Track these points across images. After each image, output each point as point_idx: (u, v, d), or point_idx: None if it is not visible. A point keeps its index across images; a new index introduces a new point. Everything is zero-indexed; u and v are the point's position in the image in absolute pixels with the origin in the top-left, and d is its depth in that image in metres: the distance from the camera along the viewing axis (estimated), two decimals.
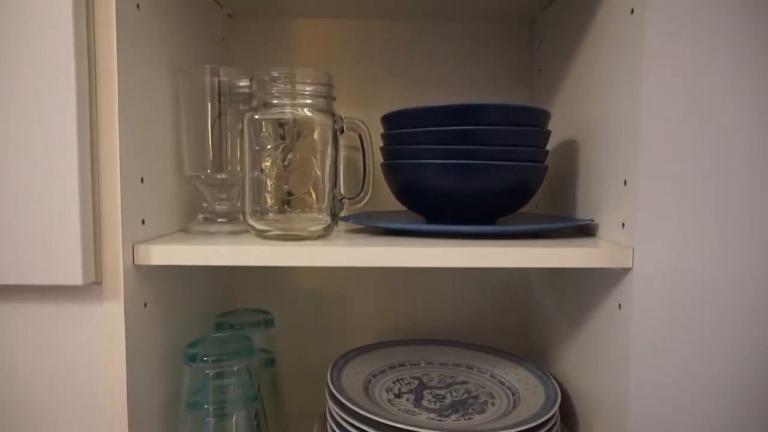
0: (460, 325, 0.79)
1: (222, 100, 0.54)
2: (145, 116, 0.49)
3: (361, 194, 0.55)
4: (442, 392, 0.61)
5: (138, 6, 0.47)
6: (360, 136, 0.54)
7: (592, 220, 0.55)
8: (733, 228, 0.45)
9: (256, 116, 0.49)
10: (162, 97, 0.53)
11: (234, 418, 0.53)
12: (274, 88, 0.49)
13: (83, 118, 0.43)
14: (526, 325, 0.79)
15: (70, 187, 0.43)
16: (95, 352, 0.46)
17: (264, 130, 0.49)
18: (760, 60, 0.44)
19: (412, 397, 0.59)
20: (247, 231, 0.54)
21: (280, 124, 0.49)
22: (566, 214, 0.63)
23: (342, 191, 0.54)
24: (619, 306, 0.48)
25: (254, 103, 0.50)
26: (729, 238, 0.45)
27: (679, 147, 0.44)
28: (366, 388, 0.59)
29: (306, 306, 0.78)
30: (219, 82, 0.54)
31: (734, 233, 0.45)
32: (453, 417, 0.55)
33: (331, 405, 0.54)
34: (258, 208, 0.50)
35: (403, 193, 0.55)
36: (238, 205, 0.57)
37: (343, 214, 0.54)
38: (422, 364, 0.68)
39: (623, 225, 0.48)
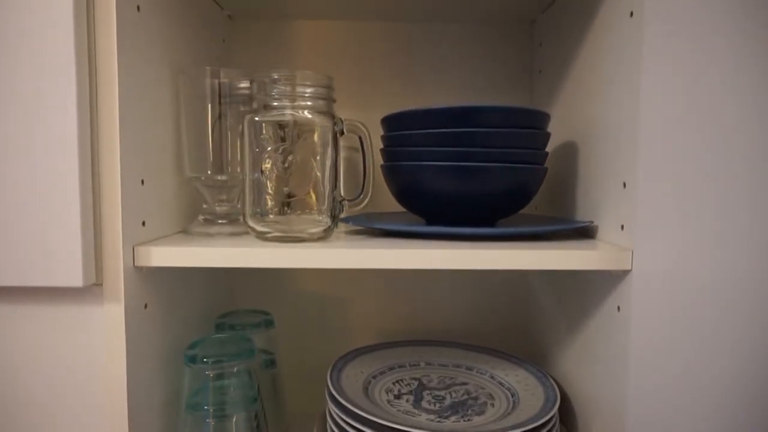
0: (460, 327, 0.79)
1: (222, 101, 0.54)
2: (145, 118, 0.49)
3: (361, 196, 0.55)
4: (442, 393, 0.61)
5: (138, 8, 0.47)
6: (360, 138, 0.54)
7: (592, 222, 0.55)
8: (733, 228, 0.45)
9: (257, 118, 0.49)
10: (162, 98, 0.53)
11: (234, 419, 0.53)
12: (275, 90, 0.49)
13: (83, 118, 0.43)
14: (526, 327, 0.79)
15: (70, 189, 0.43)
16: (95, 353, 0.46)
17: (264, 132, 0.49)
18: (760, 60, 0.44)
19: (411, 398, 0.59)
20: (247, 232, 0.54)
21: (281, 126, 0.49)
22: (566, 216, 0.63)
23: (342, 193, 0.54)
24: (618, 308, 0.48)
25: (254, 105, 0.50)
26: (729, 238, 0.45)
27: (679, 147, 0.44)
28: (366, 389, 0.59)
29: (306, 307, 0.78)
30: (219, 83, 0.54)
31: (734, 234, 0.45)
32: (452, 418, 0.55)
33: (331, 406, 0.54)
34: (258, 209, 0.50)
35: (403, 194, 0.55)
36: (239, 206, 0.57)
37: (343, 215, 0.54)
38: (422, 365, 0.68)
39: (622, 227, 0.48)
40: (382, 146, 0.58)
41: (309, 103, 0.49)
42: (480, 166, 0.50)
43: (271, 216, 0.50)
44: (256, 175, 0.49)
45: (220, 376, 0.53)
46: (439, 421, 0.55)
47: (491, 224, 0.56)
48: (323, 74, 0.50)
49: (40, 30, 0.42)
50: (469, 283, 0.78)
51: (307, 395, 0.76)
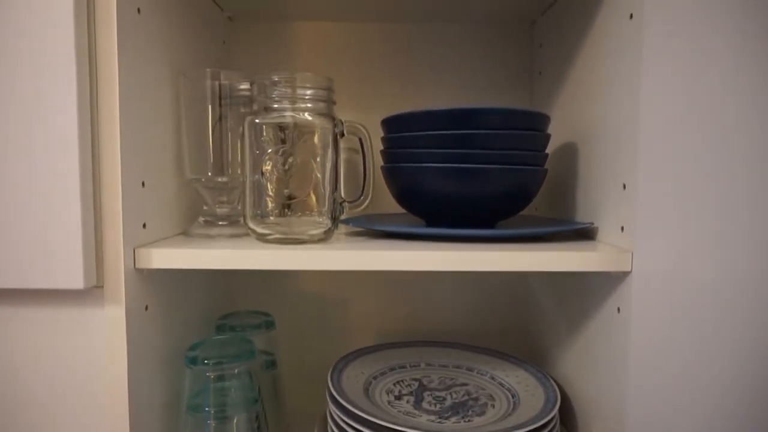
0: (460, 327, 0.79)
1: (222, 103, 0.54)
2: (145, 119, 0.49)
3: (362, 198, 0.55)
4: (442, 394, 0.61)
5: (139, 11, 0.48)
6: (360, 139, 0.54)
7: (592, 224, 0.55)
8: (733, 229, 0.45)
9: (257, 120, 0.49)
10: (163, 100, 0.53)
11: (235, 421, 0.53)
12: (275, 93, 0.49)
13: (84, 119, 0.43)
14: (526, 327, 0.79)
15: (71, 191, 0.43)
16: (96, 355, 0.46)
17: (265, 134, 0.49)
18: (760, 60, 0.44)
19: (412, 399, 0.60)
20: (247, 234, 0.54)
21: (281, 128, 0.49)
22: (566, 217, 0.63)
23: (342, 195, 0.54)
24: (618, 309, 0.48)
25: (255, 107, 0.50)
26: (729, 239, 0.45)
27: (679, 148, 0.44)
28: (366, 390, 0.59)
29: (306, 308, 0.78)
30: (219, 85, 0.54)
31: (734, 234, 0.45)
32: (453, 419, 0.55)
33: (332, 407, 0.55)
34: (258, 211, 0.50)
35: (403, 196, 0.55)
36: (239, 208, 0.57)
37: (343, 217, 0.54)
38: (422, 365, 0.68)
39: (622, 229, 0.48)
40: (382, 148, 0.58)
41: (309, 105, 0.49)
42: (480, 168, 0.50)
43: (271, 218, 0.50)
44: (257, 176, 0.49)
45: (220, 378, 0.53)
46: (439, 422, 0.55)
47: (491, 226, 0.56)
48: (323, 76, 0.50)
49: (40, 30, 0.42)
50: (470, 284, 0.79)
51: (307, 396, 0.76)
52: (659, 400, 0.46)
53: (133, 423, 0.47)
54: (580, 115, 0.59)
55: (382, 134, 0.58)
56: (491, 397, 0.60)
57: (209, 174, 0.55)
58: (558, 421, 0.54)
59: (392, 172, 0.55)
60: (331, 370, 0.60)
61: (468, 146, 0.51)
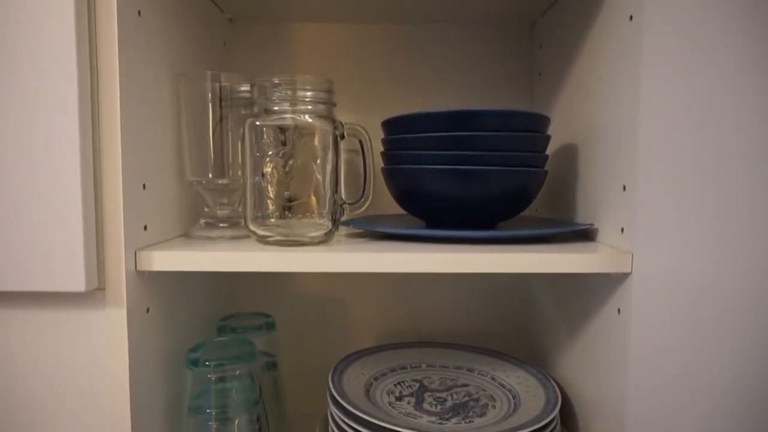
0: (461, 328, 0.79)
1: (223, 105, 0.54)
2: (146, 121, 0.50)
3: (362, 199, 0.55)
4: (443, 395, 0.61)
5: (139, 12, 0.48)
6: (360, 141, 0.54)
7: (592, 225, 0.55)
8: (733, 229, 0.45)
9: (258, 122, 0.49)
10: (163, 102, 0.53)
11: (236, 422, 0.53)
12: (275, 95, 0.49)
13: (85, 121, 0.43)
14: (526, 328, 0.79)
15: (72, 194, 0.43)
16: (98, 358, 0.47)
17: (265, 136, 0.49)
18: (760, 60, 0.44)
19: (413, 400, 0.60)
20: (248, 236, 0.54)
21: (281, 130, 0.49)
22: (566, 218, 0.63)
23: (343, 196, 0.54)
24: (619, 311, 0.48)
25: (255, 109, 0.50)
26: (729, 239, 0.45)
27: (679, 148, 0.44)
28: (367, 391, 0.59)
29: (307, 309, 0.78)
30: (220, 87, 0.54)
31: (734, 234, 0.45)
32: (454, 420, 0.56)
33: (333, 408, 0.55)
34: (259, 213, 0.50)
35: (403, 197, 0.56)
36: (240, 210, 0.57)
37: (344, 218, 0.54)
38: (423, 366, 0.68)
39: (622, 230, 0.48)
40: (382, 149, 0.58)
41: (309, 107, 0.50)
42: (480, 170, 0.50)
43: (272, 220, 0.50)
44: (257, 178, 0.49)
45: (222, 379, 0.53)
46: (440, 423, 0.55)
47: (491, 227, 0.56)
48: (323, 78, 0.50)
49: (41, 31, 0.42)
50: (470, 286, 0.79)
51: (308, 397, 0.76)
52: (659, 400, 0.46)
53: (135, 425, 0.47)
54: (580, 116, 0.59)
55: (382, 136, 0.58)
56: (492, 398, 0.60)
57: (210, 176, 0.55)
58: (558, 422, 0.54)
59: (392, 174, 0.55)
60: (332, 371, 0.61)
61: (468, 148, 0.51)
